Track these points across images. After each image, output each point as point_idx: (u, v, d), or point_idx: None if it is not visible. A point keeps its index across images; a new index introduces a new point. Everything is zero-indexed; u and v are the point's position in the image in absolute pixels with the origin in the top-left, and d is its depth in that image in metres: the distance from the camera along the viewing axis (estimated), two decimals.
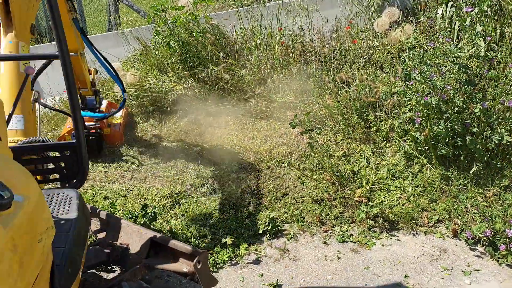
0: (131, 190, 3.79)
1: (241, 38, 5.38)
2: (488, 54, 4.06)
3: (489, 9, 4.47)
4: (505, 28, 4.35)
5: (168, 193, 3.66)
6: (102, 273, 2.76)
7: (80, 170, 2.02)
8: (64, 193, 2.02)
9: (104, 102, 4.70)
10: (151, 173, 4.03)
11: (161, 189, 3.77)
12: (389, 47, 4.68)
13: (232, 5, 7.13)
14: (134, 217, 3.28)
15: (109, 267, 2.82)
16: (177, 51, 5.03)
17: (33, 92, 2.65)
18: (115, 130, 4.49)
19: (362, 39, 5.01)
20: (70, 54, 3.72)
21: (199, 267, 2.22)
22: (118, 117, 4.68)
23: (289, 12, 5.40)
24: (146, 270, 2.44)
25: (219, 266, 2.96)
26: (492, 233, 2.92)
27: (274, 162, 4.02)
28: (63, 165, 2.13)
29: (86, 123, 4.17)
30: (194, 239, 3.17)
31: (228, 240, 3.14)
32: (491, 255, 2.92)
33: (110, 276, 2.78)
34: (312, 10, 5.26)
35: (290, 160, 3.90)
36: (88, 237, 2.14)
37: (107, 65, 3.82)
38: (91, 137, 4.16)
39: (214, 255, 3.01)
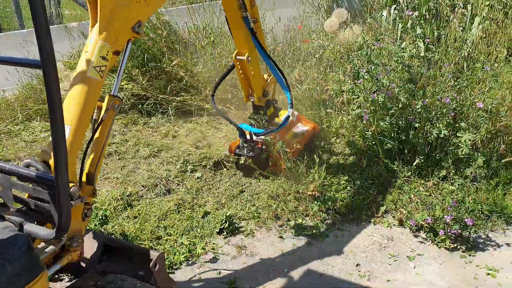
0: None
1: (194, 35, 5.34)
2: (427, 54, 4.35)
3: (427, 13, 4.79)
4: (441, 31, 4.68)
5: (119, 195, 3.55)
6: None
7: (57, 218, 1.57)
8: (11, 238, 1.56)
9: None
10: (99, 175, 3.88)
11: (111, 191, 3.65)
12: (338, 46, 4.86)
13: (183, 2, 7.04)
14: None
15: (56, 276, 2.70)
16: None
17: (111, 98, 2.18)
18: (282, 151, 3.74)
19: (313, 39, 5.16)
20: (239, 57, 3.31)
21: (156, 269, 2.19)
22: (302, 133, 4.00)
23: None
24: (98, 275, 2.37)
25: (176, 267, 2.93)
26: (433, 220, 3.13)
27: (232, 160, 4.04)
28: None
29: (259, 136, 3.63)
30: (149, 241, 3.11)
31: (184, 241, 3.12)
32: (432, 240, 3.14)
33: (57, 285, 2.66)
34: (264, 9, 5.33)
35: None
36: None
37: (277, 71, 3.40)
38: (251, 153, 3.64)
39: (170, 256, 2.98)
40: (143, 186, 3.73)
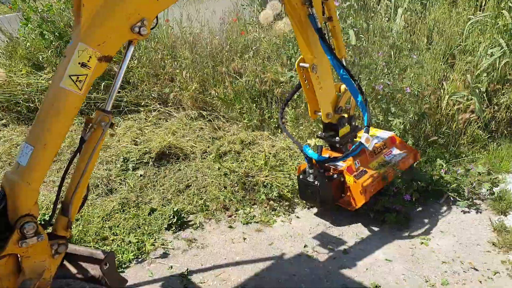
0: None
1: None
2: (358, 43, 4.60)
3: (355, 4, 5.05)
4: (369, 21, 4.97)
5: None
6: None
7: None
8: None
9: (385, 135, 3.41)
10: None
11: (48, 195, 3.43)
12: (274, 38, 4.96)
13: None
14: None
15: None
16: (54, 43, 4.58)
17: (99, 113, 1.83)
18: (359, 183, 3.03)
19: (249, 31, 5.22)
20: (302, 65, 2.64)
21: (105, 269, 2.11)
22: (395, 161, 3.28)
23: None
24: None
25: (125, 265, 2.84)
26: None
27: (174, 153, 3.97)
28: None
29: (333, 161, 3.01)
30: (94, 243, 2.97)
31: (132, 239, 3.03)
32: (373, 216, 3.33)
33: None
34: (200, 1, 5.29)
35: (193, 151, 3.90)
36: None
37: (353, 84, 2.64)
38: (316, 182, 3.01)
39: (118, 255, 2.87)
40: None
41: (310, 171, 3.04)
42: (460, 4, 4.94)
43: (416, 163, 3.54)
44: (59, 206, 1.92)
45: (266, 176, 3.61)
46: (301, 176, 3.15)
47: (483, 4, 4.94)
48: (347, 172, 3.08)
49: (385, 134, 3.47)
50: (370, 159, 3.27)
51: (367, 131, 2.72)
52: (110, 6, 1.71)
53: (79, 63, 1.68)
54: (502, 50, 4.19)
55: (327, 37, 2.63)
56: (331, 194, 3.08)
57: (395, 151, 3.42)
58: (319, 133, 3.21)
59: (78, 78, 1.69)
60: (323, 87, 2.80)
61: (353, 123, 3.10)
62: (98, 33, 1.70)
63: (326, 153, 3.18)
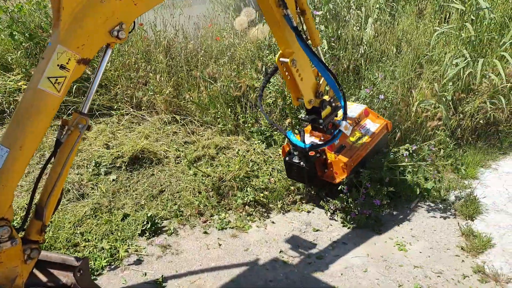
0: None
1: None
2: (329, 51, 4.71)
3: (328, 14, 5.17)
4: (340, 30, 5.10)
5: (26, 204, 3.23)
6: None
7: None
8: None
9: (358, 108, 3.53)
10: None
11: (16, 200, 3.30)
12: (249, 44, 5.00)
13: None
14: None
15: None
16: (23, 44, 4.43)
17: (76, 115, 1.81)
18: (340, 159, 3.21)
19: (223, 37, 5.23)
20: (282, 59, 2.74)
21: (79, 275, 2.06)
22: (370, 132, 3.42)
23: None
24: None
25: (97, 272, 2.77)
26: (345, 203, 3.42)
27: (147, 157, 3.91)
28: None
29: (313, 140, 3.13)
30: (65, 250, 2.88)
31: (105, 245, 2.96)
32: (347, 221, 3.41)
33: None
34: (173, 6, 5.26)
35: (166, 156, 3.86)
36: None
37: (329, 76, 2.79)
38: (301, 164, 3.15)
39: (90, 262, 2.80)
40: None
41: (295, 153, 3.25)
42: (427, 16, 5.15)
43: (389, 134, 3.65)
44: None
45: (241, 179, 3.61)
46: (287, 158, 3.33)
47: (448, 16, 5.18)
48: (328, 150, 3.26)
49: (359, 107, 3.60)
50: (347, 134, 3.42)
51: (345, 119, 2.95)
52: (89, 9, 1.71)
53: (58, 65, 1.68)
54: (466, 60, 4.39)
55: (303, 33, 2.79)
56: (316, 172, 3.25)
57: (369, 123, 3.57)
58: (304, 116, 3.33)
59: (56, 80, 1.69)
60: (303, 78, 2.93)
61: (333, 104, 3.24)
62: (77, 36, 1.70)
63: (307, 132, 3.35)
